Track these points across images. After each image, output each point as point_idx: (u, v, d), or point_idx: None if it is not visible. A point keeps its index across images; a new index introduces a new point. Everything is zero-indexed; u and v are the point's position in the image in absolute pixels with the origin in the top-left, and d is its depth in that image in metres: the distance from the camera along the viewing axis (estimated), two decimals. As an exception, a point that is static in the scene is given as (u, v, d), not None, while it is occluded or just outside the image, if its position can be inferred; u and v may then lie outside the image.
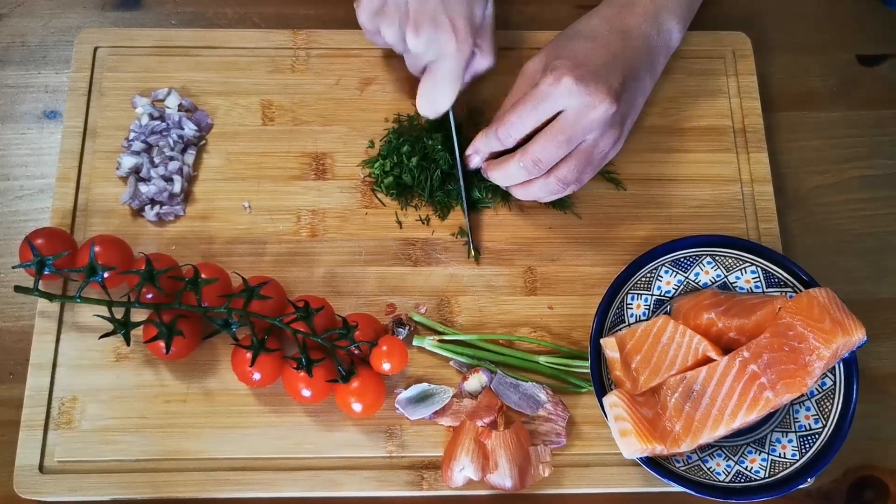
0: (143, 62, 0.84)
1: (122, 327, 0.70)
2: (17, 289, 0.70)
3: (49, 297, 0.71)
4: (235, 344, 0.71)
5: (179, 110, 0.82)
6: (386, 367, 0.71)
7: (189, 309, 0.70)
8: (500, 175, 0.75)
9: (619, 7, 0.78)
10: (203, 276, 0.71)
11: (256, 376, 0.70)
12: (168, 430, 0.72)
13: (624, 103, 0.73)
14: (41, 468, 0.71)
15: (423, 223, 0.80)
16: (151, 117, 0.81)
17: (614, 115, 0.71)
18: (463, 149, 0.78)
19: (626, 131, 0.76)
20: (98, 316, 0.71)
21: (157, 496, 0.71)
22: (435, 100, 0.75)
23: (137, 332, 0.72)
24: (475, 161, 0.77)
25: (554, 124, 0.71)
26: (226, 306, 0.70)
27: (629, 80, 0.74)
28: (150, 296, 0.71)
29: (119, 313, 0.70)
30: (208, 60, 0.85)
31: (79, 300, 0.70)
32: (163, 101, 0.83)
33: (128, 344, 0.70)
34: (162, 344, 0.69)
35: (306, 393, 0.70)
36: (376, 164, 0.81)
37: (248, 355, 0.69)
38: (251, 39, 0.86)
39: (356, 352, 0.71)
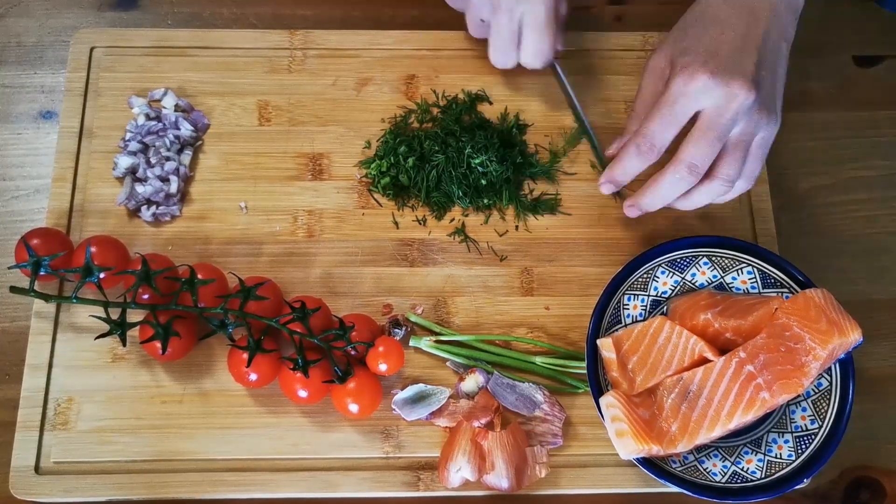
0: (140, 62, 0.84)
1: (119, 328, 0.69)
2: (13, 289, 0.70)
3: (45, 297, 0.71)
4: (232, 345, 0.70)
5: (176, 111, 0.82)
6: (382, 367, 0.71)
7: (185, 309, 0.70)
8: (656, 196, 0.72)
9: None
10: (199, 276, 0.71)
11: (253, 377, 0.70)
12: (164, 431, 0.72)
13: (764, 82, 0.70)
14: (37, 469, 0.71)
15: (420, 224, 0.80)
16: (148, 118, 0.81)
17: (756, 100, 0.69)
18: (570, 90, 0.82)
19: (779, 104, 0.72)
20: (94, 316, 0.71)
21: (153, 497, 0.71)
22: (541, 49, 0.76)
23: (134, 333, 0.72)
24: (609, 189, 0.75)
25: (698, 125, 0.69)
26: (222, 307, 0.69)
27: (764, 56, 0.70)
28: (146, 296, 0.71)
29: (117, 314, 0.70)
30: (205, 61, 0.85)
31: (75, 300, 0.70)
32: (159, 101, 0.83)
33: (124, 344, 0.70)
34: (158, 345, 0.69)
35: (303, 394, 0.70)
36: (373, 165, 0.81)
37: (245, 356, 0.69)
38: (248, 40, 0.86)
39: (353, 352, 0.71)
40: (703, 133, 0.68)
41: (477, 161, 0.79)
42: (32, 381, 0.73)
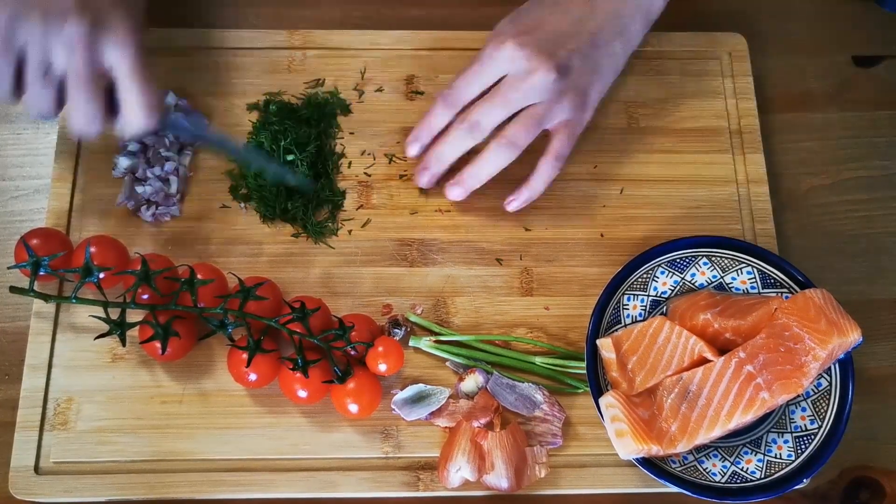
0: (140, 62, 0.84)
1: (118, 328, 0.69)
2: (13, 289, 0.70)
3: (45, 297, 0.71)
4: (231, 345, 0.70)
5: (176, 111, 0.82)
6: (382, 367, 0.71)
7: (185, 310, 0.70)
8: (447, 147, 0.75)
9: None
10: (199, 276, 0.71)
11: (252, 377, 0.70)
12: (164, 431, 0.72)
13: (575, 71, 0.73)
14: (36, 469, 0.71)
15: (294, 238, 0.79)
16: (147, 118, 0.81)
17: (559, 82, 0.72)
18: None
19: (593, 100, 0.76)
20: (94, 316, 0.71)
21: (152, 497, 0.71)
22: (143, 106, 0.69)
23: (133, 333, 0.72)
24: (414, 149, 0.77)
25: (493, 88, 0.73)
26: (222, 307, 0.69)
27: (589, 47, 0.74)
28: (145, 297, 0.71)
29: (116, 314, 0.70)
30: (205, 61, 0.85)
31: (74, 301, 0.70)
32: (159, 101, 0.83)
33: (123, 344, 0.70)
34: (158, 345, 0.69)
35: (302, 394, 0.70)
36: (233, 173, 0.80)
37: (245, 356, 0.69)
38: (248, 40, 0.86)
39: (352, 352, 0.71)
40: (493, 95, 0.73)
41: (290, 157, 0.78)
42: (32, 381, 0.73)
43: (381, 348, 0.71)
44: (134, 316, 0.72)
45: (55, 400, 0.73)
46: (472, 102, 0.74)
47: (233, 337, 0.70)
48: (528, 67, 0.71)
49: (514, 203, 0.77)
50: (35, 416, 0.72)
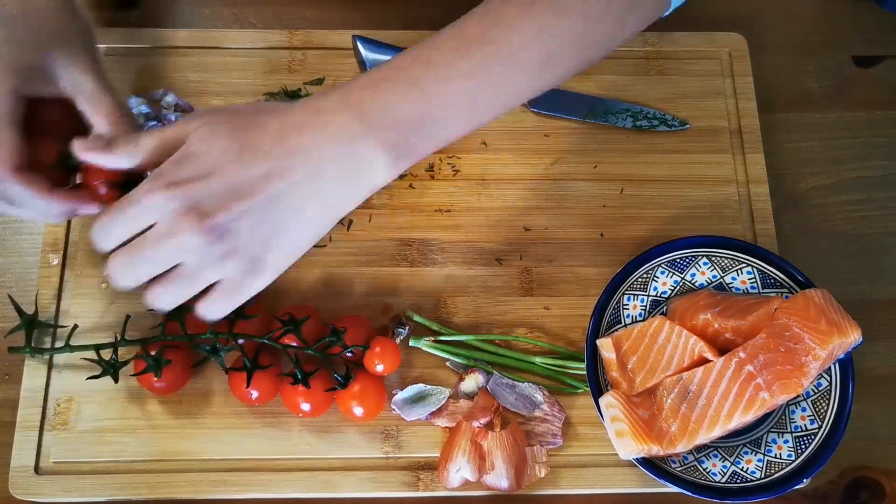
0: (140, 62, 0.84)
1: (111, 368, 0.70)
2: (11, 349, 0.72)
3: (41, 351, 0.72)
4: (227, 370, 0.70)
5: (176, 111, 0.82)
6: (379, 368, 0.71)
7: (174, 339, 0.70)
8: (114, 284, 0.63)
9: (304, 113, 0.62)
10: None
11: (255, 395, 0.70)
12: (164, 431, 0.72)
13: (245, 235, 0.60)
14: (36, 469, 0.71)
15: None
16: (148, 118, 0.81)
17: (212, 247, 0.60)
18: None
19: (272, 264, 0.62)
20: (86, 359, 0.71)
21: (152, 497, 0.71)
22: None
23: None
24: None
25: (141, 237, 0.61)
26: (211, 331, 0.69)
27: (268, 208, 0.60)
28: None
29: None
30: (205, 61, 0.85)
31: (68, 350, 0.71)
32: (159, 101, 0.83)
33: (115, 381, 0.70)
34: (154, 377, 0.69)
35: (306, 406, 0.70)
36: None
37: (244, 376, 0.69)
38: (248, 40, 0.86)
39: (349, 355, 0.71)
40: (133, 247, 0.61)
41: None
42: (32, 381, 0.73)
43: (377, 349, 0.71)
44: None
45: (55, 400, 0.73)
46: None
47: (224, 363, 0.70)
48: (173, 227, 0.59)
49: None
50: (35, 416, 0.72)
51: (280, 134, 0.61)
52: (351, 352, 0.70)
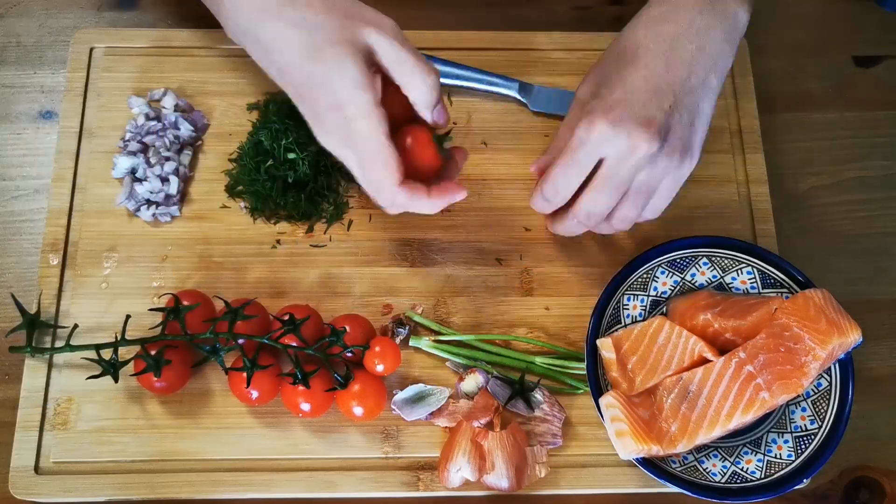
0: (140, 62, 0.84)
1: (111, 368, 0.70)
2: (12, 349, 0.72)
3: (42, 351, 0.72)
4: (227, 370, 0.70)
5: (176, 110, 0.82)
6: (379, 368, 0.71)
7: (175, 339, 0.70)
8: (563, 231, 0.73)
9: (665, 5, 0.70)
10: (185, 302, 0.71)
11: (255, 394, 0.70)
12: (164, 431, 0.72)
13: (677, 126, 0.66)
14: (36, 469, 0.71)
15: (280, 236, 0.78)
16: (147, 118, 0.81)
17: (661, 149, 0.65)
18: None
19: (698, 143, 0.69)
20: (86, 359, 0.71)
21: (152, 497, 0.71)
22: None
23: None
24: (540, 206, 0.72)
25: (598, 174, 0.67)
26: (211, 331, 0.69)
27: (681, 97, 0.67)
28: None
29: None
30: (205, 61, 0.85)
31: (69, 350, 0.71)
32: (159, 101, 0.83)
33: (115, 381, 0.70)
34: (153, 377, 0.69)
35: (306, 406, 0.70)
36: (233, 171, 0.80)
37: (245, 376, 0.69)
38: (248, 40, 0.86)
39: (349, 355, 0.71)
40: (601, 182, 0.67)
41: (292, 156, 0.78)
42: (32, 381, 0.73)
43: (377, 349, 0.71)
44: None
45: (55, 400, 0.73)
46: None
47: (224, 363, 0.70)
48: (629, 146, 0.64)
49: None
50: (35, 416, 0.72)
51: (654, 30, 0.69)
52: (351, 352, 0.70)
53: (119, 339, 0.71)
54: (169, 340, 0.70)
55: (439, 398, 0.73)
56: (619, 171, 0.66)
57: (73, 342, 0.71)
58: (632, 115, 0.65)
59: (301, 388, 0.69)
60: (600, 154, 0.66)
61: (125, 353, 0.71)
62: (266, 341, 0.69)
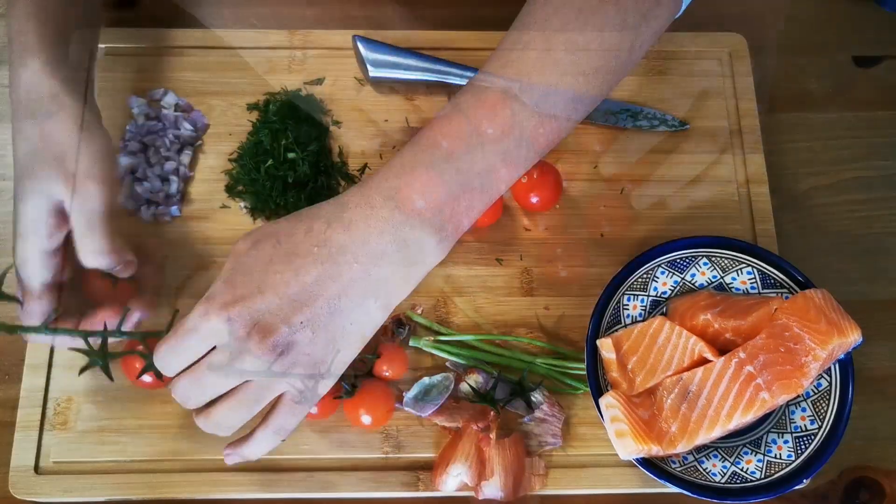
0: (139, 62, 0.84)
1: (101, 359, 0.66)
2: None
3: (9, 329, 0.66)
4: None
5: (175, 110, 0.82)
6: (386, 373, 0.71)
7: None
8: (182, 397, 0.62)
9: (352, 210, 0.61)
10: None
11: None
12: (164, 431, 0.72)
13: (308, 345, 0.60)
14: (36, 469, 0.71)
15: None
16: (147, 117, 0.81)
17: (278, 363, 0.59)
18: None
19: (335, 369, 0.62)
20: (73, 349, 0.67)
21: (153, 497, 0.71)
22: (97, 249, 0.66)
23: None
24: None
25: (203, 361, 0.60)
26: None
27: (328, 316, 0.60)
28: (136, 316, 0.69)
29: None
30: (204, 60, 0.85)
31: (47, 332, 0.66)
32: (159, 101, 0.83)
33: (110, 379, 0.67)
34: (150, 378, 0.67)
35: (313, 410, 0.69)
36: (233, 171, 0.80)
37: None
38: (248, 39, 0.86)
39: (359, 364, 0.71)
40: (197, 371, 0.60)
41: (292, 156, 0.78)
42: (32, 381, 0.73)
43: (386, 354, 0.71)
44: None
45: (55, 400, 0.73)
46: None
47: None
48: (237, 349, 0.58)
49: (230, 458, 0.65)
50: (35, 415, 0.72)
51: (324, 235, 0.60)
52: (362, 360, 0.70)
53: (115, 330, 0.67)
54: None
55: (446, 384, 0.72)
56: (225, 366, 0.59)
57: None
58: (250, 315, 0.58)
59: None
60: (213, 342, 0.60)
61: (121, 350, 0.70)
62: None
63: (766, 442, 0.71)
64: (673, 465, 0.70)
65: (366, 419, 0.70)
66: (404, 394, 0.73)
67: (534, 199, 0.72)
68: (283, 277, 0.59)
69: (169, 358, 0.61)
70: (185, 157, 0.81)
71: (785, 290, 0.75)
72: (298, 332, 0.59)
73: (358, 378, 0.71)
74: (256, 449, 0.64)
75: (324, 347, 0.60)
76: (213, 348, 0.60)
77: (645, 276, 0.76)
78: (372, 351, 0.71)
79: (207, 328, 0.59)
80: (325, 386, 0.62)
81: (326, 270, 0.60)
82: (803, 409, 0.72)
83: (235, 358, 0.59)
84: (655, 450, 0.68)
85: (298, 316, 0.59)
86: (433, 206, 0.61)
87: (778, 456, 0.70)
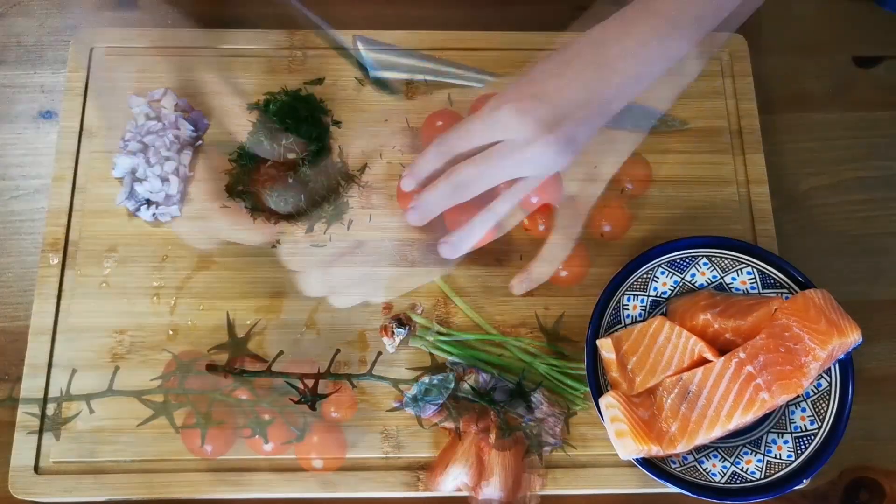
0: (140, 62, 0.84)
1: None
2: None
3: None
4: (178, 429, 0.69)
5: (175, 110, 0.82)
6: (335, 415, 0.70)
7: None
8: (432, 199, 0.69)
9: (612, 29, 0.68)
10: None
11: (209, 448, 0.69)
12: (164, 431, 0.72)
13: (585, 145, 0.66)
14: (36, 469, 0.71)
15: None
16: (148, 118, 0.81)
17: (559, 158, 0.65)
18: None
19: (605, 173, 0.69)
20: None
21: (153, 497, 0.71)
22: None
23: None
24: (408, 185, 0.72)
25: (489, 150, 0.66)
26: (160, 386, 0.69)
27: (601, 117, 0.67)
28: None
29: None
30: (205, 61, 0.85)
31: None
32: (159, 101, 0.83)
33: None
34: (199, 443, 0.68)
35: (267, 448, 0.69)
36: (232, 172, 0.80)
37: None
38: (248, 39, 0.86)
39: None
40: (485, 158, 0.66)
41: (292, 155, 0.78)
42: (32, 381, 0.73)
43: (333, 396, 0.70)
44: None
45: (55, 400, 0.73)
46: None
47: (175, 423, 0.69)
48: (525, 138, 0.64)
49: (519, 286, 0.72)
50: (35, 416, 0.72)
51: (597, 48, 0.66)
52: (309, 404, 0.68)
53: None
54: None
55: (447, 384, 0.72)
56: (508, 157, 0.65)
57: (73, 342, 0.71)
58: (538, 111, 0.65)
59: (259, 437, 0.68)
60: (499, 135, 0.66)
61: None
62: (219, 397, 0.69)
63: (765, 442, 0.71)
64: (673, 466, 0.70)
65: (317, 463, 0.69)
66: (404, 394, 0.73)
67: (534, 199, 0.72)
68: (562, 81, 0.66)
69: (460, 137, 0.67)
70: (185, 157, 0.81)
71: (785, 291, 0.75)
72: (578, 130, 0.65)
73: (307, 422, 0.69)
74: (548, 265, 0.72)
75: (598, 147, 0.69)
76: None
77: (645, 276, 0.76)
78: (314, 387, 0.69)
79: (500, 119, 0.65)
80: (597, 192, 0.71)
81: (599, 75, 0.66)
82: (803, 410, 0.72)
83: (527, 146, 0.64)
84: (655, 450, 0.68)
85: (577, 113, 0.65)
86: (692, 18, 0.68)
87: (778, 456, 0.70)
